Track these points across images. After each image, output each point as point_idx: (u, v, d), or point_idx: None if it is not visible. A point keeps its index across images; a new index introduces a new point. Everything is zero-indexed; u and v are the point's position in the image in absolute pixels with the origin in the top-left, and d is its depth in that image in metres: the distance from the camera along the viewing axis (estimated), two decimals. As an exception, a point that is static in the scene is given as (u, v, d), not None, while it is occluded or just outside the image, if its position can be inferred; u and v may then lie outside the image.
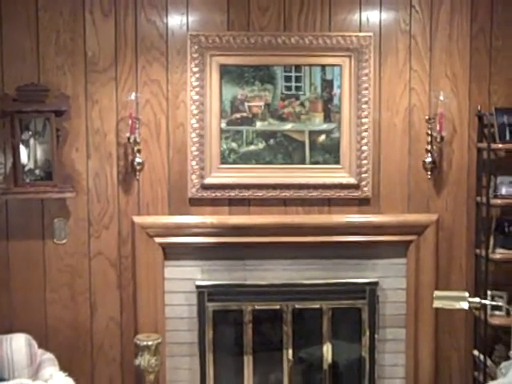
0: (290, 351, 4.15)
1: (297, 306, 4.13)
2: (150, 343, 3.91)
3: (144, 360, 3.90)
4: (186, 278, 4.09)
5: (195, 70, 3.98)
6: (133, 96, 3.93)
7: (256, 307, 4.10)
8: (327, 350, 4.17)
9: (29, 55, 3.91)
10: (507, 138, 3.96)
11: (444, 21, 4.08)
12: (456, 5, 4.07)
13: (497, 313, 4.08)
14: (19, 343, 3.64)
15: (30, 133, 3.91)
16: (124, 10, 3.95)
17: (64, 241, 4.04)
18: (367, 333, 4.15)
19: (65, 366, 3.69)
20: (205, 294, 4.05)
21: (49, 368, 3.60)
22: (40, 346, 3.75)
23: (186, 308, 4.10)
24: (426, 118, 4.06)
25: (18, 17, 3.88)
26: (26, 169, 3.91)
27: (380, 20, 4.06)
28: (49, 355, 3.74)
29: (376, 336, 4.14)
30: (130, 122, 3.91)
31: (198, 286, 4.06)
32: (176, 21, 3.99)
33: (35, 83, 3.86)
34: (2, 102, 3.82)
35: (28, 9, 3.89)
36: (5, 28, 3.89)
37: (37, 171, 3.94)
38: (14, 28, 3.89)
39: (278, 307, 4.13)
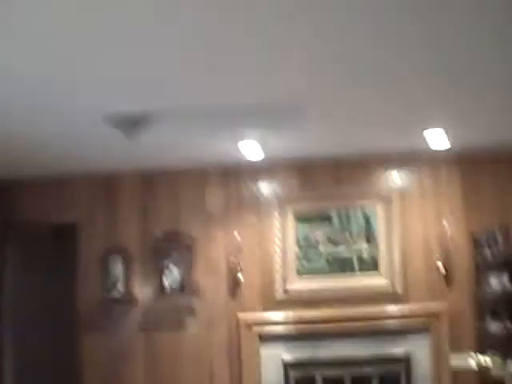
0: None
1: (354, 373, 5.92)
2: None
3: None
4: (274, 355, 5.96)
5: (278, 216, 6.05)
6: (237, 236, 5.97)
7: (325, 374, 5.92)
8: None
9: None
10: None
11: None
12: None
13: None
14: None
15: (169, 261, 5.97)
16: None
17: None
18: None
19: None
20: (288, 366, 5.92)
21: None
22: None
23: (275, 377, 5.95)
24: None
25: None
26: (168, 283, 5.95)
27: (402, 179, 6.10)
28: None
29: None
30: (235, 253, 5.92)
31: (283, 361, 5.93)
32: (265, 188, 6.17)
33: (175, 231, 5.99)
34: (156, 242, 5.96)
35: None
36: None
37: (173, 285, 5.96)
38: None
39: (340, 374, 5.93)
